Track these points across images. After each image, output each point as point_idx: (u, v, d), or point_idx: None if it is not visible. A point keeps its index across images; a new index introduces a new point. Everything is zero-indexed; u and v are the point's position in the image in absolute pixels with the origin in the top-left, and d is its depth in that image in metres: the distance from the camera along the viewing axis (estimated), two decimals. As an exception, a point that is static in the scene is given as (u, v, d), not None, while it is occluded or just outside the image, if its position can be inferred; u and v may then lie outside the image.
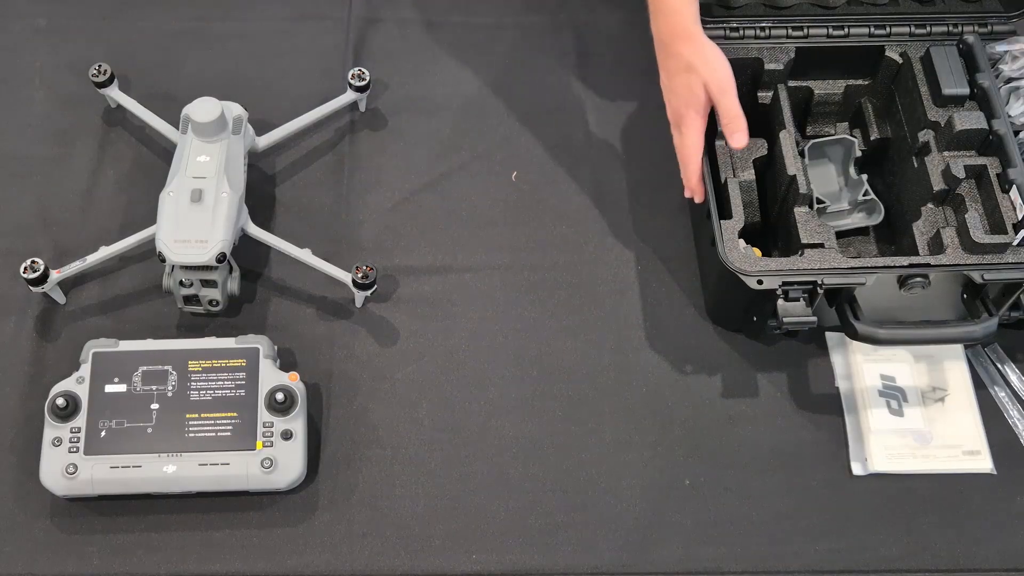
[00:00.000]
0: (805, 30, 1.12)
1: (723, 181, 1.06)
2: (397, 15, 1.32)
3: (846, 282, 0.98)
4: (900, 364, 1.07)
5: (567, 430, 1.05)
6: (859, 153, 1.13)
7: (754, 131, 1.04)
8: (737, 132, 1.02)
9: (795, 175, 1.04)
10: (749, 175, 1.08)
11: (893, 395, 1.05)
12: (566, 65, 1.29)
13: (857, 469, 1.02)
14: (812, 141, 1.15)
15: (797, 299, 0.99)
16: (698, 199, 1.05)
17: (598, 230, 1.17)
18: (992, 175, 1.04)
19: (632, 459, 1.03)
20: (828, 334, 1.09)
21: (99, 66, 1.18)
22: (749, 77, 1.12)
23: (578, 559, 0.98)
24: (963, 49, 1.11)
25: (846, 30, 1.12)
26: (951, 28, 1.13)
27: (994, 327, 0.98)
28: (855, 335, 0.98)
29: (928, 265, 1.00)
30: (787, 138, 1.07)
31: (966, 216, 1.01)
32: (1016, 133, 1.06)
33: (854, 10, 1.13)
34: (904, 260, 1.00)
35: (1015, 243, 1.00)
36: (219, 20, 1.31)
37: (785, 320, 0.98)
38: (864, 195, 1.12)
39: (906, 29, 1.13)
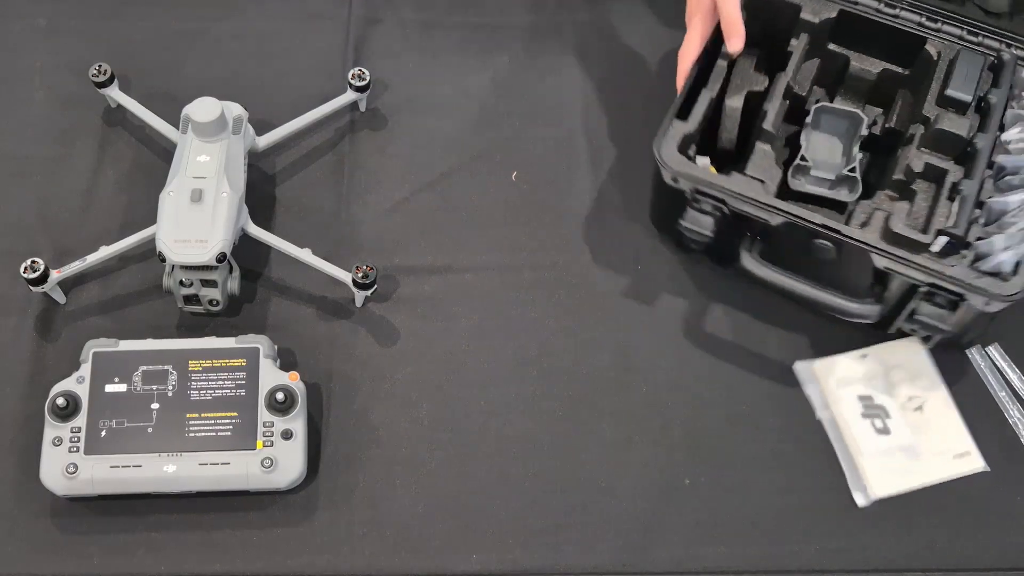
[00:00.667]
0: None
1: (699, 92, 1.07)
2: (397, 15, 1.32)
3: (754, 213, 1.00)
4: (873, 381, 1.05)
5: (567, 430, 1.05)
6: (865, 132, 1.11)
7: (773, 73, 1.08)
8: (734, 36, 1.06)
9: (767, 111, 1.05)
10: (736, 102, 1.09)
11: (876, 414, 1.04)
12: (566, 65, 1.29)
13: (860, 500, 1.01)
14: (823, 104, 1.13)
15: (707, 212, 1.01)
16: None
17: (598, 230, 1.17)
18: (949, 182, 1.03)
19: (632, 459, 1.03)
20: (796, 367, 1.06)
21: (99, 66, 1.18)
22: (785, 23, 1.12)
23: (578, 559, 0.99)
24: (994, 63, 1.09)
25: (897, 10, 1.10)
26: (1004, 45, 1.09)
27: (872, 314, 0.99)
28: (736, 262, 1.00)
29: (838, 232, 0.99)
30: (782, 79, 1.08)
31: (900, 205, 1.01)
32: (990, 166, 1.03)
33: None
34: (820, 219, 1.00)
35: (932, 247, 0.98)
36: (219, 20, 1.31)
37: (687, 225, 1.03)
38: (849, 171, 1.10)
39: (958, 31, 1.10)
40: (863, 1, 1.11)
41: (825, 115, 1.13)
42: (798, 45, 1.12)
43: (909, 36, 1.11)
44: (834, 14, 1.12)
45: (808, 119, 1.11)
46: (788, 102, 1.10)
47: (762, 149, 1.06)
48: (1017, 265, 0.97)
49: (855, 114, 1.13)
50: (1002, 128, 1.05)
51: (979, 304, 0.95)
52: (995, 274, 0.96)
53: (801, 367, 1.06)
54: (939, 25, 1.10)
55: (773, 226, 1.00)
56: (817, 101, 1.14)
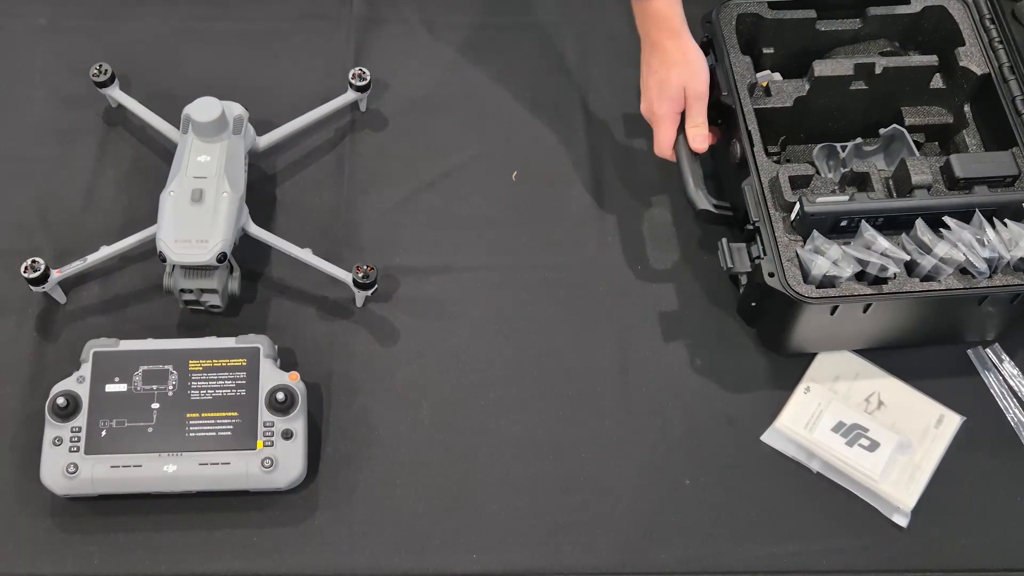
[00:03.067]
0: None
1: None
2: (397, 15, 1.32)
3: (722, 92, 1.10)
4: (831, 406, 1.04)
5: (567, 430, 1.05)
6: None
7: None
8: (699, 138, 1.07)
9: (833, 62, 1.12)
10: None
11: (857, 435, 1.03)
12: (566, 65, 1.29)
13: (903, 521, 1.00)
14: (902, 129, 1.14)
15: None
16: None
17: (598, 230, 1.17)
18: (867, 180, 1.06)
19: (632, 459, 1.03)
20: (764, 439, 1.04)
21: (100, 66, 1.18)
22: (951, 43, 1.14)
23: (578, 559, 0.99)
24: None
25: (1014, 78, 1.10)
26: None
27: (701, 203, 1.07)
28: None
29: (751, 146, 1.06)
30: (870, 61, 1.12)
31: (808, 172, 1.05)
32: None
33: None
34: (755, 130, 1.07)
35: (792, 211, 1.02)
36: (219, 20, 1.31)
37: None
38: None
39: None
40: (1004, 71, 1.11)
41: (897, 137, 1.14)
42: (923, 58, 1.13)
43: (1003, 116, 1.08)
44: (981, 71, 1.11)
45: (883, 131, 1.14)
46: (865, 86, 1.12)
47: (797, 83, 1.12)
48: (826, 284, 0.98)
49: (912, 151, 1.12)
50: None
51: (765, 271, 0.99)
52: (806, 272, 0.99)
53: (769, 436, 1.04)
54: None
55: (723, 105, 1.09)
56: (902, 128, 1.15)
